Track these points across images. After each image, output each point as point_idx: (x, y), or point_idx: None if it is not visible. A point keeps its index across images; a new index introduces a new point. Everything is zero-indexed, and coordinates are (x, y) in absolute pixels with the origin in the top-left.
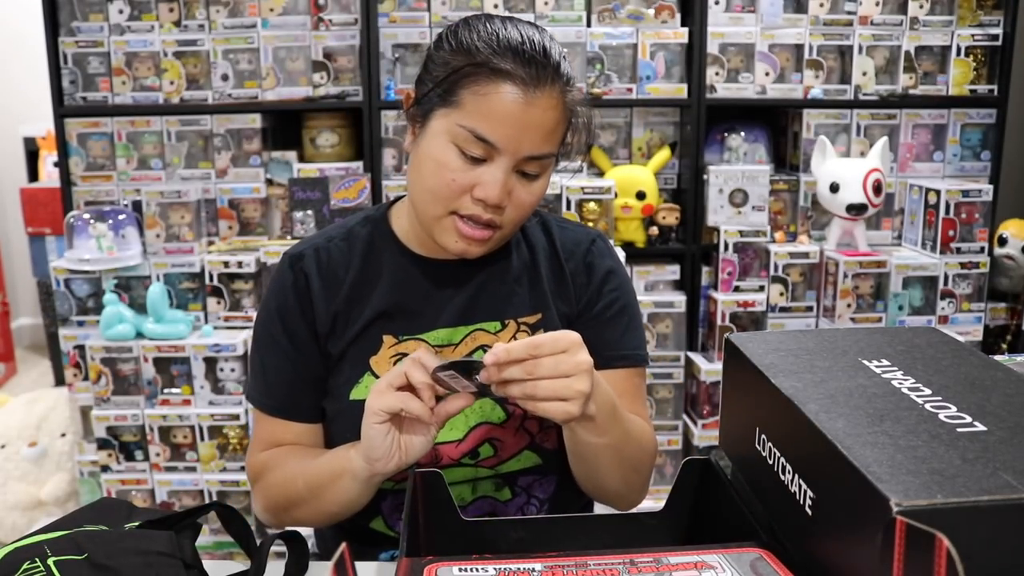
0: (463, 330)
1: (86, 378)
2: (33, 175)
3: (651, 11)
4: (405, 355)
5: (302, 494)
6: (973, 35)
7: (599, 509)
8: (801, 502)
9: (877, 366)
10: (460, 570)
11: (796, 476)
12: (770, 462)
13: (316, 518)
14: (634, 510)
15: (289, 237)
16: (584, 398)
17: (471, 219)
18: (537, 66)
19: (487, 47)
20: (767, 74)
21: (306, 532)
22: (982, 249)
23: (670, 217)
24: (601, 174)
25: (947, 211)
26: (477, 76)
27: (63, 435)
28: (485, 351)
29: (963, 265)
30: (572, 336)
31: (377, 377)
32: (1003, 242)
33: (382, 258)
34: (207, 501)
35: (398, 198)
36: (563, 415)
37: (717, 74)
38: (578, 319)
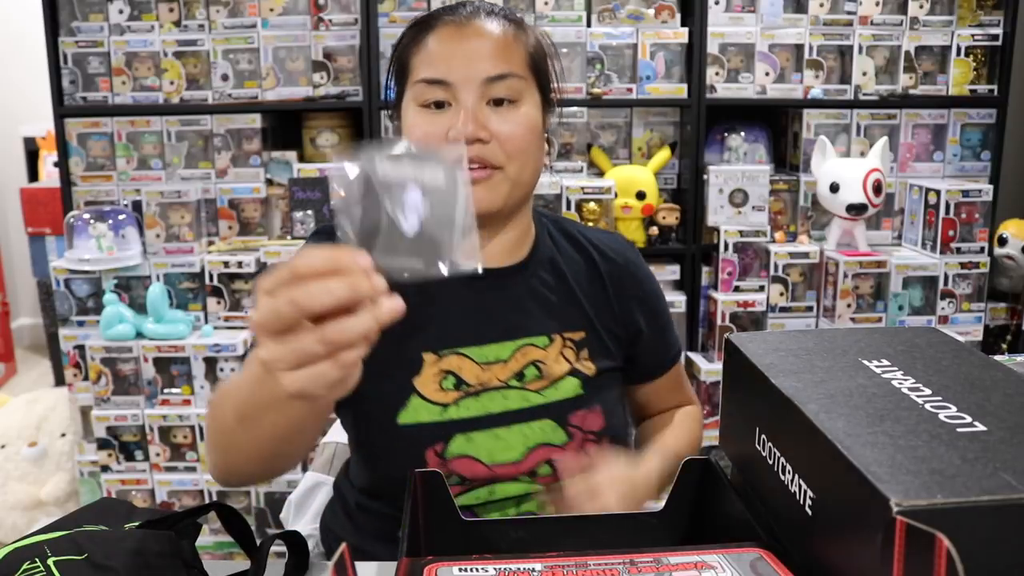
0: (510, 345)
1: (86, 378)
2: (33, 175)
3: (651, 11)
4: (450, 372)
5: (232, 426)
6: (973, 35)
7: None
8: (801, 502)
9: (877, 366)
10: (460, 570)
11: (796, 476)
12: (770, 462)
13: (260, 465)
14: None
15: (289, 237)
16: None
17: None
18: (468, 6)
19: (425, 17)
20: (767, 74)
21: (307, 532)
22: (982, 249)
23: (670, 217)
24: (601, 174)
25: (947, 211)
26: (416, 37)
27: (63, 435)
28: (538, 368)
29: (963, 265)
30: (603, 493)
31: (425, 399)
32: (1003, 242)
33: None
34: (207, 501)
35: None
36: None
37: (717, 74)
38: (637, 338)
